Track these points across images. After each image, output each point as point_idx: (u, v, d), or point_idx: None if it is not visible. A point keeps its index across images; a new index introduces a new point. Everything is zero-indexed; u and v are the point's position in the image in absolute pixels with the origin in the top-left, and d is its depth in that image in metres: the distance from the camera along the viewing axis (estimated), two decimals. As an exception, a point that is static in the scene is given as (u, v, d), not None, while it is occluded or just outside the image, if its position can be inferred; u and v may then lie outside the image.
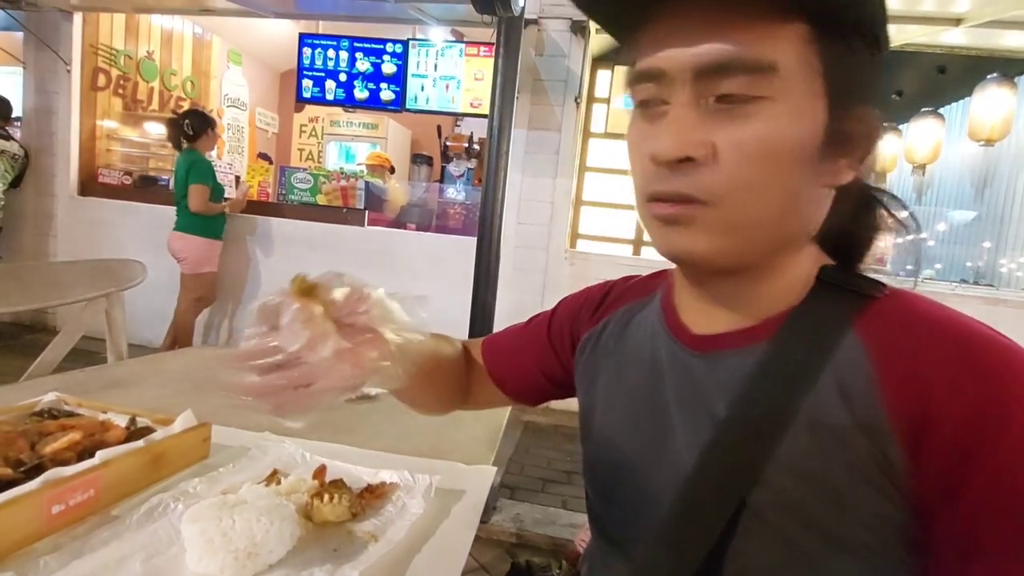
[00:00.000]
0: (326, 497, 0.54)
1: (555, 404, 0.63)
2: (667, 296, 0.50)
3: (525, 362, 0.65)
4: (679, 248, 0.39)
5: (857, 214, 0.43)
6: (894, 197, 0.45)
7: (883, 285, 0.40)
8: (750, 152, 0.36)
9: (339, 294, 0.39)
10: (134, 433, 0.62)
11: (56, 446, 0.54)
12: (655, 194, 0.39)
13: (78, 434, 0.56)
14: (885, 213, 0.44)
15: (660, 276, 0.54)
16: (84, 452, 0.56)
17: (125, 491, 0.55)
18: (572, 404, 0.62)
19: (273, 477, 0.60)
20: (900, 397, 0.34)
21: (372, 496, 0.59)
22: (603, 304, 0.59)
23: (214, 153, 3.57)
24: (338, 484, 0.56)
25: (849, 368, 0.36)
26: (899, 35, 3.27)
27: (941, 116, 4.38)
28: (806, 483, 0.36)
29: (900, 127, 5.00)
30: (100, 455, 0.53)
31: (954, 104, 5.49)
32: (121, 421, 0.65)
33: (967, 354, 0.34)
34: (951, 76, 5.02)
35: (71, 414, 0.66)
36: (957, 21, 2.94)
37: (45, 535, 0.47)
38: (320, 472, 0.60)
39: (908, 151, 4.51)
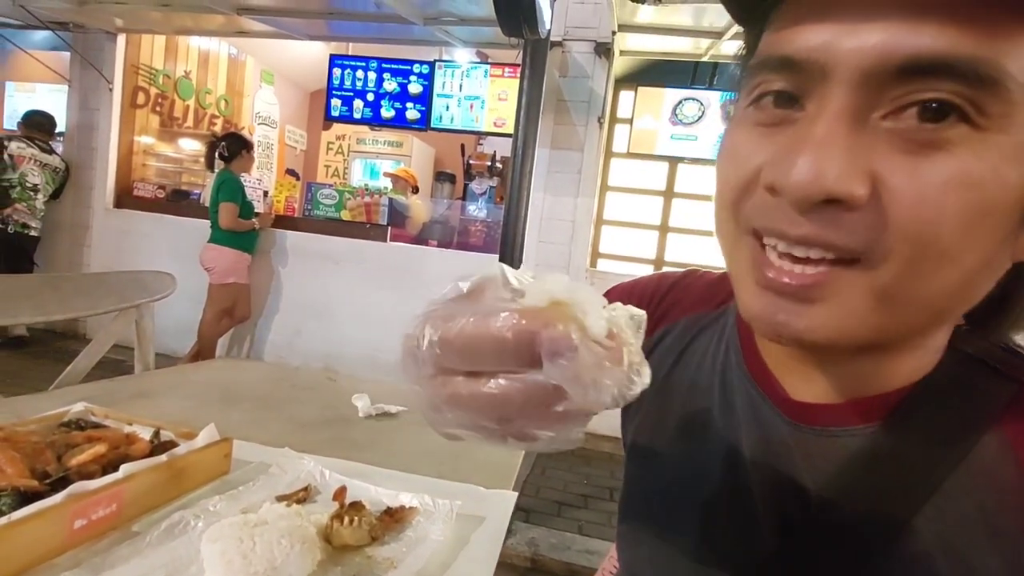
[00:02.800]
0: (346, 520, 0.53)
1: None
2: (745, 324, 0.39)
3: None
4: (784, 323, 0.27)
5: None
6: None
7: None
8: (938, 203, 0.23)
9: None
10: (158, 447, 0.62)
11: (82, 459, 0.54)
12: (773, 231, 0.27)
13: (103, 447, 0.56)
14: None
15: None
16: (108, 465, 0.56)
17: (147, 506, 0.55)
18: (589, 424, 0.60)
19: (293, 496, 0.59)
20: None
21: (392, 520, 0.57)
22: (660, 307, 0.46)
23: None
24: (358, 507, 0.55)
25: (996, 485, 0.28)
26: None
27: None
28: None
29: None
30: (124, 469, 0.53)
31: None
32: (145, 434, 0.65)
33: None
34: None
35: (97, 425, 0.67)
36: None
37: (67, 549, 0.47)
38: (340, 493, 0.59)
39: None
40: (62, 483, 0.51)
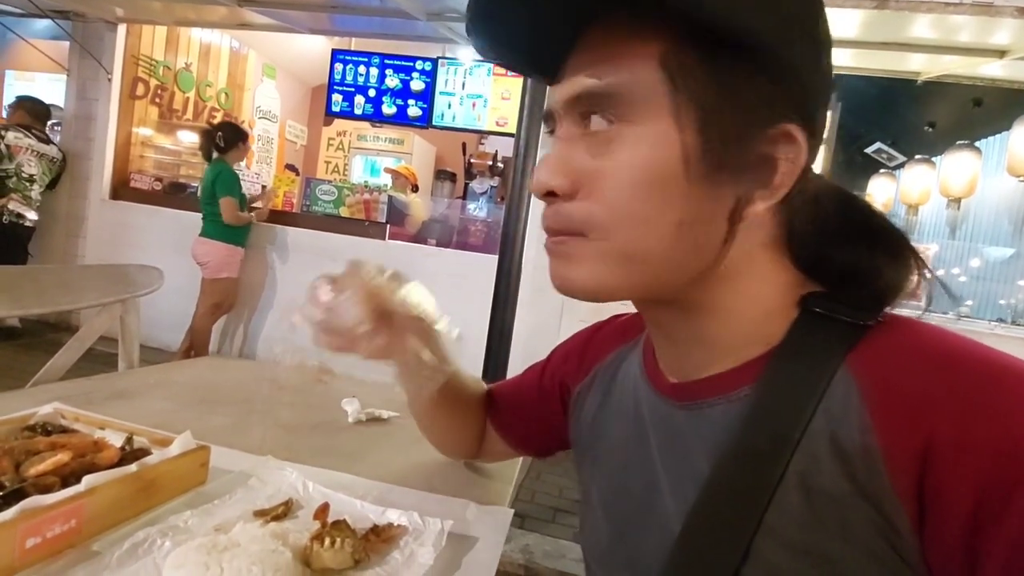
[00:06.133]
0: (327, 541, 0.48)
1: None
2: (648, 339, 0.46)
3: (522, 416, 0.65)
4: (559, 278, 0.38)
5: (845, 235, 0.37)
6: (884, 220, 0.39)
7: (880, 311, 0.34)
8: (614, 181, 0.35)
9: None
10: (128, 455, 0.58)
11: (40, 468, 0.50)
12: (544, 227, 0.40)
13: (66, 455, 0.52)
14: (889, 240, 0.38)
15: None
16: (72, 475, 0.51)
17: (111, 521, 0.50)
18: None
19: (272, 512, 0.55)
20: (901, 454, 0.29)
21: (378, 540, 0.53)
22: (588, 352, 0.56)
23: (242, 163, 3.62)
24: (341, 526, 0.51)
25: (843, 416, 0.31)
26: (933, 66, 3.19)
27: (977, 149, 4.25)
28: (801, 558, 0.30)
29: (934, 159, 4.88)
30: (86, 481, 0.49)
31: (991, 138, 5.35)
32: (117, 440, 0.61)
33: (977, 396, 0.28)
34: (988, 109, 4.89)
35: (65, 430, 0.62)
36: (1001, 53, 2.86)
37: (16, 571, 0.43)
38: (322, 511, 0.55)
39: (943, 184, 4.38)
40: (17, 495, 0.46)
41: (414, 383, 0.57)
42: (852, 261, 0.37)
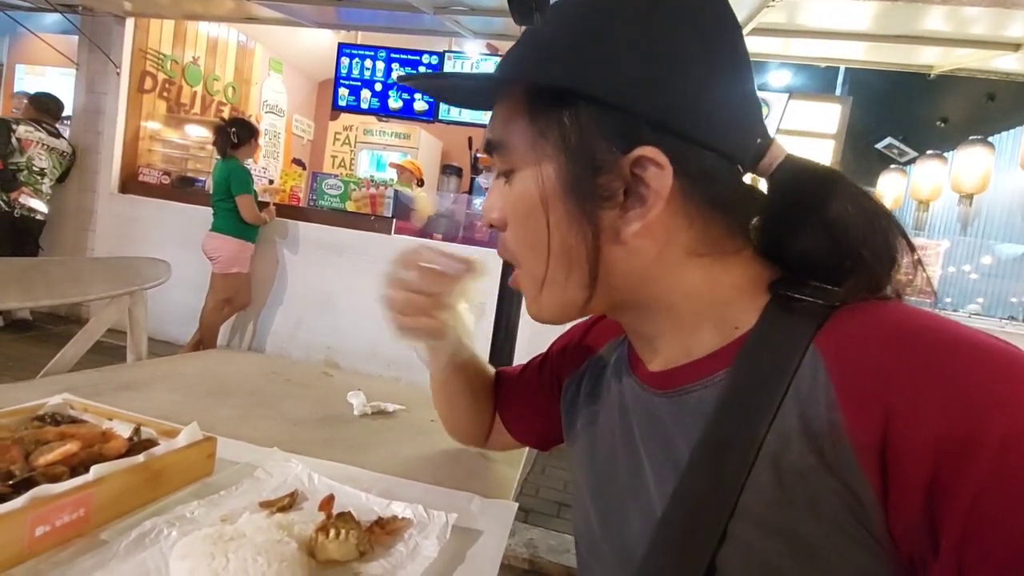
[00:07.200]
0: (332, 532, 0.49)
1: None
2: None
3: (525, 408, 0.67)
4: (528, 310, 0.43)
5: (808, 222, 0.37)
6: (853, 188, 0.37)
7: (852, 292, 0.35)
8: (511, 215, 0.41)
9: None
10: (136, 445, 0.58)
11: (49, 458, 0.50)
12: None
13: (75, 445, 0.53)
14: (860, 220, 0.36)
15: None
16: (80, 465, 0.52)
17: (119, 511, 0.51)
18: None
19: (278, 503, 0.55)
20: (864, 428, 0.29)
21: (383, 532, 0.53)
22: (583, 345, 0.58)
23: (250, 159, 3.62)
24: (346, 518, 0.51)
25: (811, 395, 0.31)
26: (946, 60, 3.14)
27: (990, 145, 4.19)
28: (773, 536, 0.31)
29: (946, 155, 4.82)
30: (95, 471, 0.49)
31: (1005, 133, 5.28)
32: (125, 430, 0.61)
33: (936, 365, 0.28)
34: (1002, 103, 4.83)
35: (74, 420, 0.63)
36: (1016, 46, 2.81)
37: (25, 559, 0.43)
38: (327, 503, 0.55)
39: (954, 180, 4.33)
40: (26, 485, 0.47)
41: (442, 354, 0.60)
42: (814, 246, 0.37)
